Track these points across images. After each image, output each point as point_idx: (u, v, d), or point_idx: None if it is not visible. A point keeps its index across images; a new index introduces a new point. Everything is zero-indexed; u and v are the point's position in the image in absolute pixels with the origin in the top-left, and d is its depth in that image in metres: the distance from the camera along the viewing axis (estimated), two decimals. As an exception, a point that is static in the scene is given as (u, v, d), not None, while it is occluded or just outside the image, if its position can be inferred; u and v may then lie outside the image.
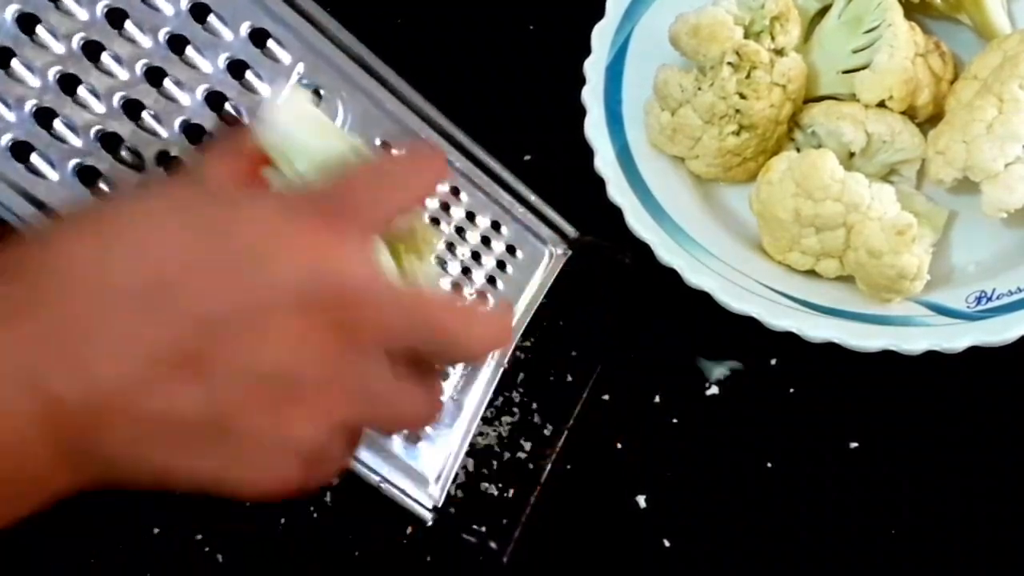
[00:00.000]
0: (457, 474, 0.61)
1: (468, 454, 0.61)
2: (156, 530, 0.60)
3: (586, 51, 0.68)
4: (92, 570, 0.59)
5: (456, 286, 0.57)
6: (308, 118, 0.45)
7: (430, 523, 0.54)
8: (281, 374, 0.39)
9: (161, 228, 0.40)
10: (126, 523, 0.60)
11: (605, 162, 0.65)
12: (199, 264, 0.39)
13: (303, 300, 0.39)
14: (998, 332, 0.61)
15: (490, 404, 0.63)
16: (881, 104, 0.65)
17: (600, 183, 0.65)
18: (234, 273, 0.39)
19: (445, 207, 0.56)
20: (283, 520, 0.60)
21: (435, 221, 0.56)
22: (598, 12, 0.69)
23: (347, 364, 0.40)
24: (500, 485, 0.61)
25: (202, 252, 0.40)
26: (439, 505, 0.54)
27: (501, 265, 0.59)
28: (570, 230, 0.61)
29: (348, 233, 0.41)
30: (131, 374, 0.38)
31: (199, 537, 0.60)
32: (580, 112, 0.67)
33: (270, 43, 0.51)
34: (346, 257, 0.41)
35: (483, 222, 0.58)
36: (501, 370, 0.59)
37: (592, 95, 0.67)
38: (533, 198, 0.59)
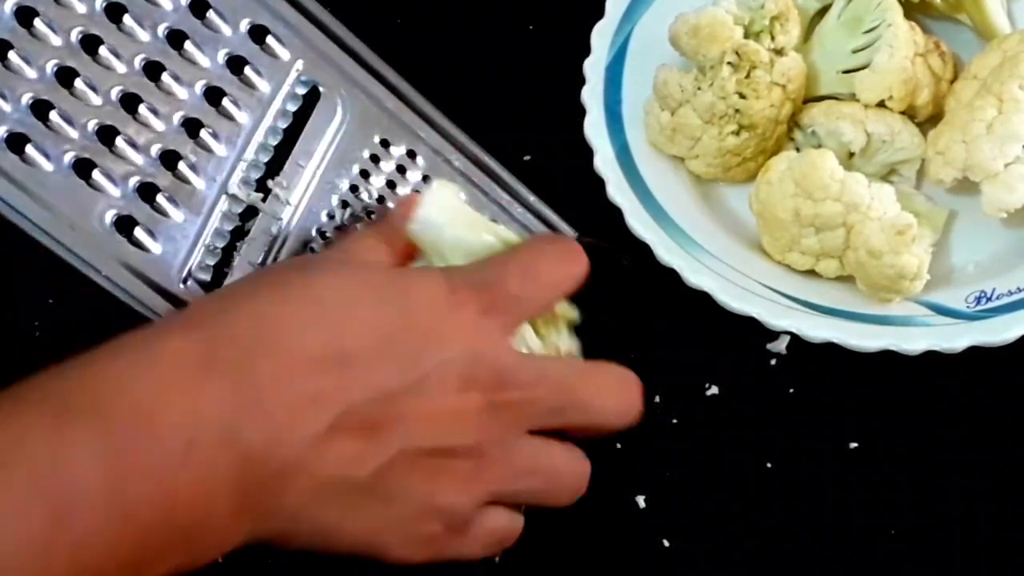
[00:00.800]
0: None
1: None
2: (156, 530, 0.60)
3: (586, 51, 0.68)
4: (92, 570, 0.59)
5: None
6: (458, 213, 0.48)
7: None
8: (441, 447, 0.43)
9: (346, 301, 0.43)
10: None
11: (605, 162, 0.65)
12: (378, 338, 0.42)
13: (464, 379, 0.43)
14: (998, 332, 0.61)
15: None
16: (881, 104, 0.65)
17: (600, 183, 0.65)
18: (408, 350, 0.43)
19: None
20: (283, 520, 0.60)
21: None
22: (598, 12, 0.69)
23: (498, 436, 0.44)
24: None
25: (381, 327, 0.43)
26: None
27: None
28: (568, 231, 0.61)
29: (503, 321, 0.45)
30: (316, 435, 0.41)
31: (199, 537, 0.59)
32: (580, 112, 0.67)
33: (269, 39, 0.51)
34: (501, 343, 0.45)
35: None
36: None
37: (592, 95, 0.67)
38: (532, 198, 0.59)
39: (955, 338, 0.61)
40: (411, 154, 0.55)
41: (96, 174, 0.47)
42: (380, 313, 0.43)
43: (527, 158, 0.70)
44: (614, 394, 0.48)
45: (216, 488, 0.40)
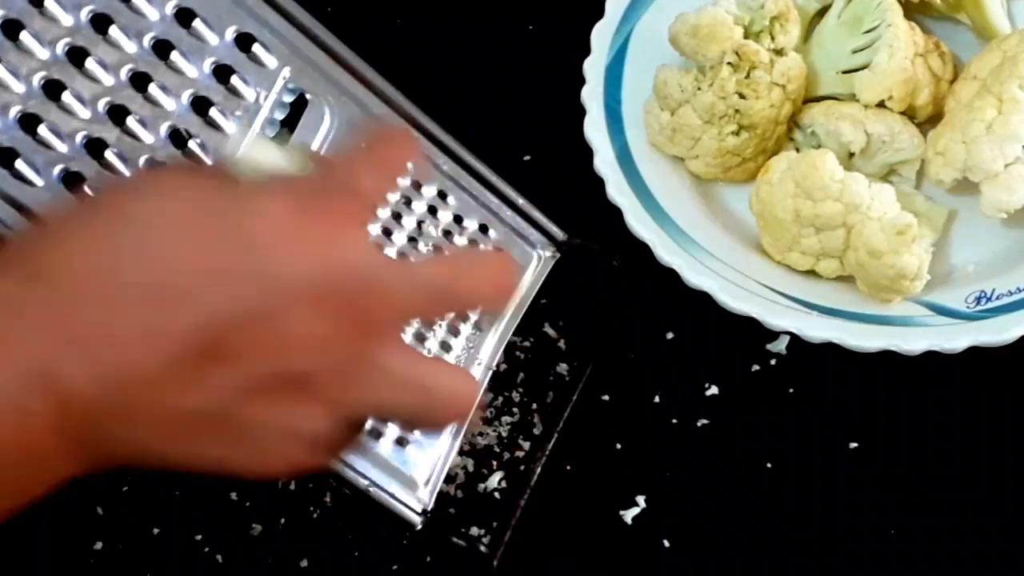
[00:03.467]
0: (457, 474, 0.61)
1: (468, 454, 0.61)
2: (156, 530, 0.60)
3: (586, 51, 0.68)
4: (92, 570, 0.59)
5: None
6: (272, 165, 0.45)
7: (419, 527, 0.54)
8: (295, 371, 0.40)
9: (173, 221, 0.40)
10: (126, 523, 0.60)
11: (605, 162, 0.65)
12: (212, 262, 0.39)
13: (316, 296, 0.40)
14: (998, 332, 0.61)
15: (490, 404, 0.63)
16: (881, 104, 0.65)
17: (600, 183, 0.65)
18: (247, 271, 0.39)
19: (432, 211, 0.56)
20: (283, 520, 0.60)
21: (420, 224, 0.56)
22: (598, 12, 0.69)
23: (363, 354, 0.41)
24: (499, 486, 0.61)
25: (214, 249, 0.40)
26: (428, 509, 0.54)
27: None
28: (559, 233, 0.61)
29: (349, 223, 0.41)
30: (147, 370, 0.38)
31: (199, 537, 0.60)
32: (580, 112, 0.67)
33: (255, 47, 0.51)
34: (351, 247, 0.41)
35: (471, 225, 0.58)
36: (490, 373, 0.58)
37: (592, 95, 0.67)
38: (521, 201, 0.59)
39: (955, 338, 0.61)
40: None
41: (86, 188, 0.47)
42: (214, 234, 0.40)
43: (527, 158, 0.70)
44: (488, 281, 0.44)
45: (35, 429, 0.38)
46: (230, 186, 0.42)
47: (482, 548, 0.57)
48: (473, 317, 0.58)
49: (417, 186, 0.56)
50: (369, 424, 0.52)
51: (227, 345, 0.39)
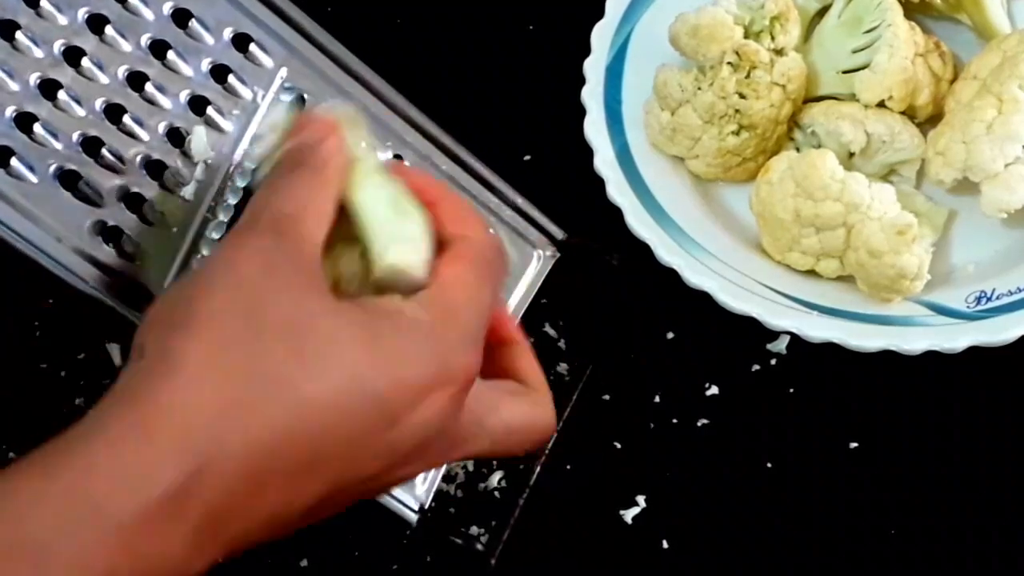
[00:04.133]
0: (456, 474, 0.61)
1: (468, 454, 0.61)
2: (156, 530, 0.60)
3: (586, 51, 0.68)
4: (92, 570, 0.59)
5: None
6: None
7: (415, 524, 0.54)
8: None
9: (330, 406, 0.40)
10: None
11: (605, 162, 0.65)
12: (355, 431, 0.40)
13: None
14: (998, 332, 0.61)
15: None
16: (881, 104, 0.65)
17: (600, 183, 0.65)
18: (378, 427, 0.40)
19: None
20: (283, 520, 0.60)
21: None
22: (598, 12, 0.69)
23: (461, 422, 0.42)
24: (499, 485, 0.61)
25: (361, 420, 0.40)
26: (426, 507, 0.54)
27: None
28: (558, 232, 0.61)
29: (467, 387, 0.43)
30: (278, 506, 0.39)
31: (199, 537, 0.59)
32: (580, 112, 0.67)
33: (252, 48, 0.51)
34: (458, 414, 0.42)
35: None
36: None
37: (592, 95, 0.67)
38: (520, 201, 0.59)
39: (955, 338, 0.61)
40: (398, 159, 0.55)
41: (82, 185, 0.47)
42: (357, 408, 0.40)
43: (527, 158, 0.70)
44: (530, 440, 0.46)
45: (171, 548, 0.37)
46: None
47: (480, 547, 0.57)
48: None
49: None
50: None
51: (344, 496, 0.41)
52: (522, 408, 0.45)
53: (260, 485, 0.38)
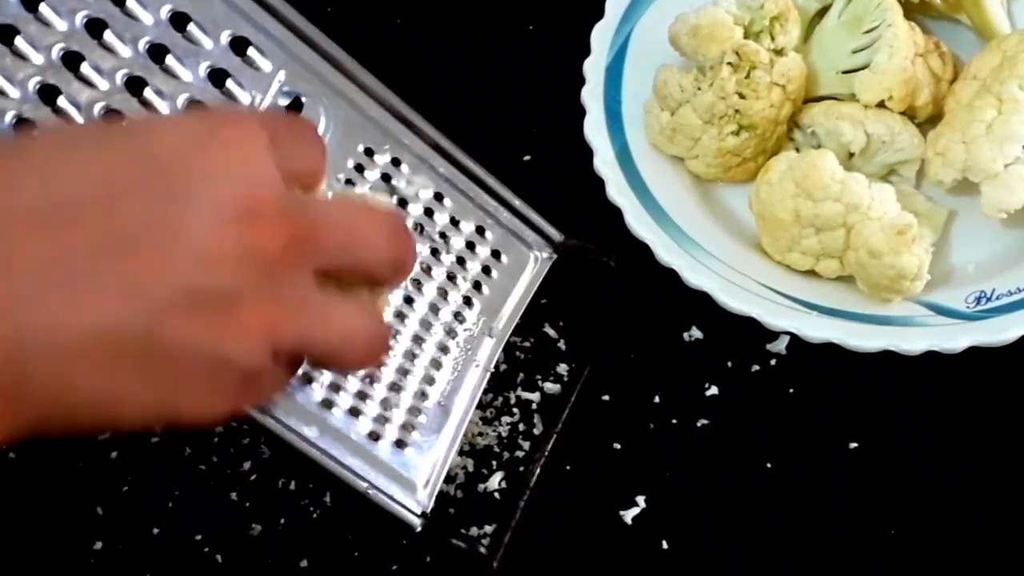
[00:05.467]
0: (457, 474, 0.61)
1: (468, 454, 0.61)
2: (156, 530, 0.60)
3: (586, 51, 0.68)
4: (92, 570, 0.59)
5: (441, 292, 0.57)
6: None
7: (419, 529, 0.54)
8: (211, 287, 0.37)
9: (70, 149, 0.38)
10: (126, 523, 0.60)
11: (605, 162, 0.65)
12: (116, 179, 0.37)
13: (235, 214, 0.38)
14: (998, 332, 0.61)
15: (490, 404, 0.63)
16: (881, 104, 0.65)
17: (600, 183, 0.65)
18: (156, 186, 0.37)
19: (429, 212, 0.56)
20: (283, 520, 0.60)
21: (419, 227, 0.56)
22: (598, 12, 0.69)
23: (283, 277, 0.39)
24: (499, 486, 0.61)
25: (118, 167, 0.37)
26: (428, 511, 0.54)
27: (486, 270, 0.59)
28: (555, 234, 0.61)
29: (275, 157, 0.39)
30: (48, 295, 0.36)
31: (199, 537, 0.60)
32: (580, 112, 0.67)
33: (251, 51, 0.51)
34: (276, 177, 0.39)
35: (467, 227, 0.58)
36: (488, 375, 0.58)
37: (592, 95, 0.67)
38: (518, 203, 0.59)
39: (955, 338, 0.61)
40: (396, 162, 0.55)
41: None
42: (115, 157, 0.37)
43: (527, 158, 0.70)
44: (390, 231, 0.43)
45: None
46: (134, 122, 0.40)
47: (482, 549, 0.57)
48: (472, 317, 0.58)
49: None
50: (348, 402, 0.52)
51: (135, 261, 0.36)
52: (363, 309, 0.43)
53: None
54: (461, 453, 0.61)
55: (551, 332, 0.64)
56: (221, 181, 0.38)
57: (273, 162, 0.39)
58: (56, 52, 0.47)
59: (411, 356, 0.55)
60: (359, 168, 0.54)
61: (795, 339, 0.63)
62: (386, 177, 0.55)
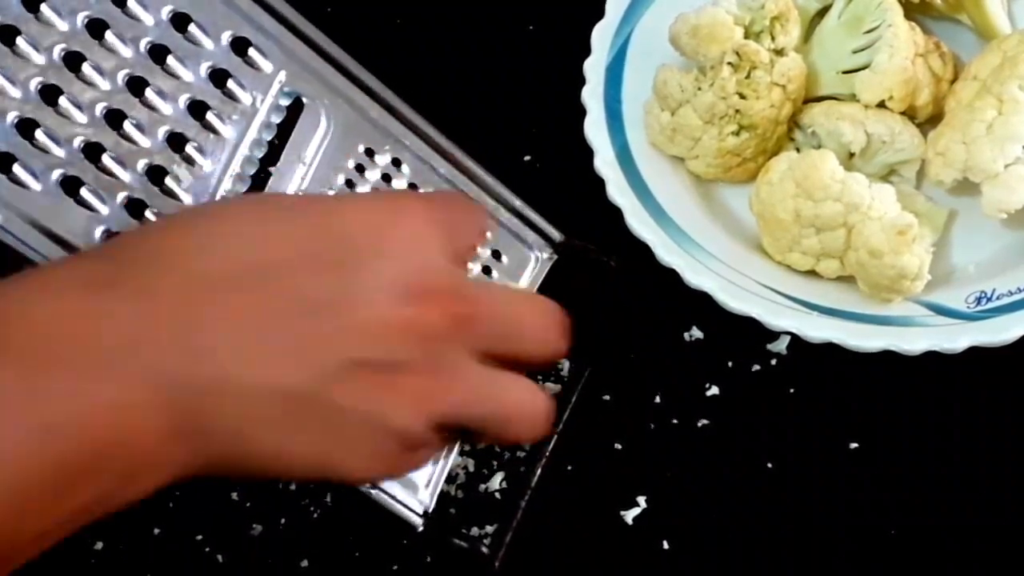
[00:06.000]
0: (457, 474, 0.61)
1: (469, 455, 0.61)
2: (156, 530, 0.60)
3: (586, 51, 0.68)
4: (92, 570, 0.59)
5: None
6: None
7: (420, 528, 0.54)
8: (376, 357, 0.40)
9: (262, 219, 0.41)
10: (126, 523, 0.60)
11: (605, 162, 0.65)
12: (304, 250, 0.40)
13: (409, 290, 0.41)
14: (998, 332, 0.61)
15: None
16: (881, 104, 0.65)
17: (600, 183, 0.65)
18: (340, 259, 0.40)
19: None
20: (283, 520, 0.60)
21: None
22: (598, 12, 0.69)
23: (444, 352, 0.41)
24: (500, 486, 0.61)
25: (307, 236, 0.41)
26: (429, 511, 0.54)
27: (487, 270, 0.59)
28: (555, 234, 0.61)
29: (450, 237, 0.43)
30: (237, 350, 0.39)
31: (199, 537, 0.60)
32: (580, 112, 0.67)
33: (251, 52, 0.51)
34: (438, 251, 0.42)
35: None
36: None
37: (592, 95, 0.67)
38: (518, 203, 0.59)
39: (955, 338, 0.61)
40: (396, 162, 0.55)
41: (84, 191, 0.47)
42: (305, 227, 0.41)
43: (527, 158, 0.70)
44: (550, 326, 0.45)
45: (135, 408, 0.38)
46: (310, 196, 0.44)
47: (483, 549, 0.57)
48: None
49: (413, 187, 0.56)
50: None
51: (315, 326, 0.40)
52: (526, 383, 0.44)
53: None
54: (462, 453, 0.61)
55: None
56: (397, 262, 0.41)
57: (439, 245, 0.42)
58: (57, 52, 0.47)
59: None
60: (359, 168, 0.54)
61: (795, 339, 0.63)
62: (386, 177, 0.55)
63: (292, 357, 0.39)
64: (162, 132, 0.49)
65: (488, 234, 0.49)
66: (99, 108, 0.48)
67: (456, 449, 0.56)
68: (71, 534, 0.39)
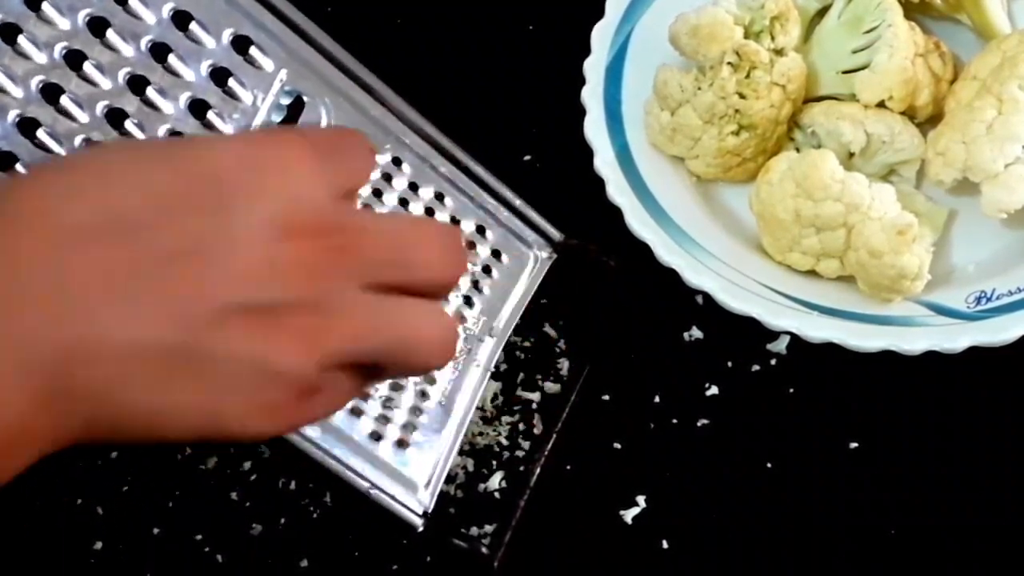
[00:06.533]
0: (457, 474, 0.61)
1: (468, 454, 0.61)
2: (156, 530, 0.60)
3: (586, 51, 0.68)
4: (92, 570, 0.59)
5: None
6: None
7: (420, 528, 0.54)
8: (251, 299, 0.38)
9: (128, 167, 0.39)
10: (126, 523, 0.60)
11: (605, 162, 0.65)
12: (168, 194, 0.38)
13: (283, 226, 0.38)
14: (998, 332, 0.61)
15: (490, 404, 0.63)
16: (881, 104, 0.65)
17: (600, 183, 0.65)
18: (204, 202, 0.38)
19: (429, 212, 0.56)
20: (283, 520, 0.60)
21: None
22: (598, 12, 0.69)
23: (327, 289, 0.39)
24: (499, 486, 0.61)
25: (168, 181, 0.38)
26: (429, 511, 0.54)
27: (487, 270, 0.59)
28: (555, 234, 0.61)
29: (322, 168, 0.40)
30: (99, 306, 0.37)
31: (199, 537, 0.60)
32: (580, 112, 0.67)
33: (252, 50, 0.51)
34: (321, 187, 0.40)
35: (468, 227, 0.58)
36: (488, 375, 0.59)
37: (592, 95, 0.67)
38: (518, 202, 0.59)
39: (955, 338, 0.61)
40: (396, 161, 0.55)
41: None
42: (166, 172, 0.38)
43: (527, 158, 0.70)
44: (443, 248, 0.42)
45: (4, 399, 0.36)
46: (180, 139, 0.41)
47: (483, 549, 0.57)
48: (472, 317, 0.58)
49: (414, 188, 0.56)
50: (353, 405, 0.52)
51: (180, 273, 0.37)
52: (424, 306, 0.42)
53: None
54: (461, 453, 0.61)
55: (551, 332, 0.64)
56: (270, 200, 0.39)
57: (317, 180, 0.40)
58: (59, 51, 0.47)
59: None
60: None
61: (795, 339, 0.63)
62: (387, 177, 0.55)
63: (160, 309, 0.37)
64: (163, 130, 0.49)
65: (377, 171, 0.48)
66: (100, 106, 0.48)
67: (456, 449, 0.56)
68: None
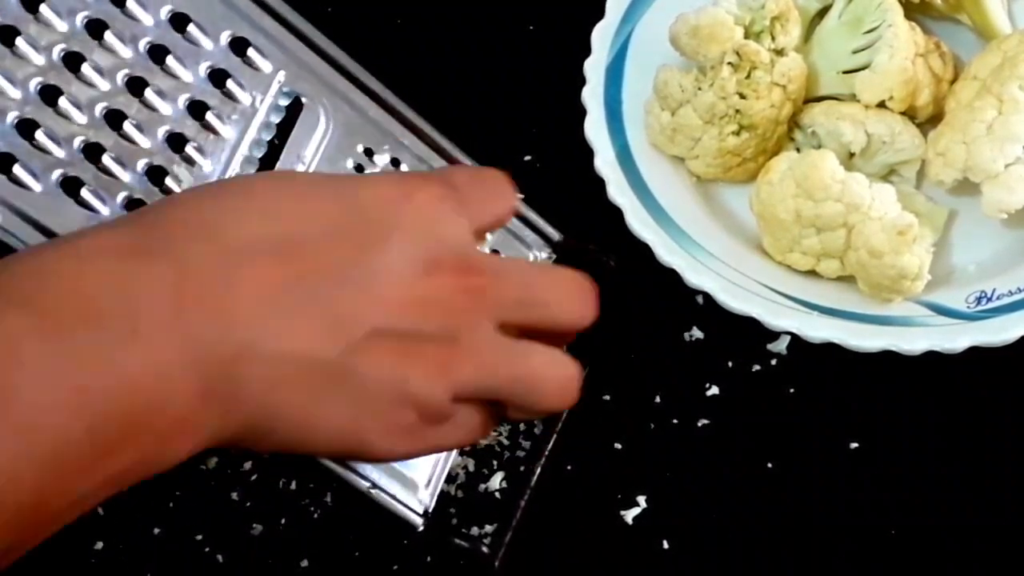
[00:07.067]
0: (457, 474, 0.61)
1: (468, 454, 0.61)
2: (156, 530, 0.60)
3: (586, 51, 0.68)
4: (92, 570, 0.59)
5: None
6: None
7: (420, 528, 0.54)
8: (402, 326, 0.41)
9: (283, 194, 0.43)
10: (126, 523, 0.60)
11: (605, 162, 0.65)
12: (327, 225, 0.42)
13: (428, 263, 0.42)
14: (998, 332, 0.61)
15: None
16: (881, 104, 0.65)
17: (600, 183, 0.65)
18: (363, 235, 0.42)
19: None
20: (283, 520, 0.60)
21: None
22: (598, 12, 0.69)
23: (463, 325, 0.42)
24: (500, 486, 0.61)
25: (330, 215, 0.42)
26: (430, 510, 0.54)
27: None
28: (554, 234, 0.61)
29: (461, 212, 0.44)
30: (267, 318, 0.40)
31: (199, 537, 0.60)
32: (580, 112, 0.67)
33: (250, 52, 0.51)
34: (462, 231, 0.44)
35: None
36: None
37: (592, 95, 0.67)
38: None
39: (955, 338, 0.61)
40: (395, 162, 0.55)
41: (84, 191, 0.47)
42: (328, 203, 0.43)
43: (527, 158, 0.70)
44: (573, 293, 0.46)
45: (170, 371, 0.39)
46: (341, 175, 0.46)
47: (484, 549, 0.57)
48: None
49: None
50: None
51: (340, 295, 0.41)
52: (549, 350, 0.45)
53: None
54: (462, 453, 0.61)
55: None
56: (415, 238, 0.42)
57: (460, 221, 0.44)
58: (57, 53, 0.47)
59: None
60: (359, 168, 0.54)
61: (795, 339, 0.63)
62: None
63: (320, 326, 0.40)
64: (162, 132, 0.49)
65: (512, 207, 0.50)
66: (99, 108, 0.48)
67: (454, 452, 0.56)
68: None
